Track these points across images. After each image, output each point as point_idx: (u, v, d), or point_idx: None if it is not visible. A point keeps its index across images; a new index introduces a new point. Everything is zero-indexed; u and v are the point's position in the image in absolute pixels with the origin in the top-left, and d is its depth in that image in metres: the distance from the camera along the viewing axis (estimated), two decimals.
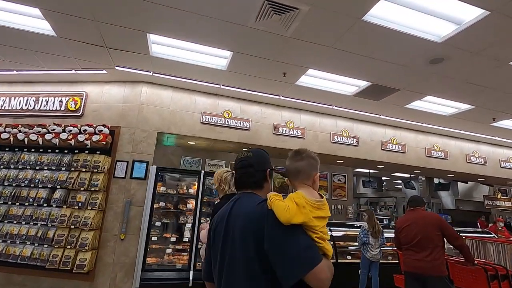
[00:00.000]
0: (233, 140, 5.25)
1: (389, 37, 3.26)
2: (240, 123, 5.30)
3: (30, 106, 4.86)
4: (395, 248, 4.61)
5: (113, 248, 4.27)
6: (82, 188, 4.23)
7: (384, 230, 4.80)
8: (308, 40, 3.43)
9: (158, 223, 4.56)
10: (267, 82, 4.66)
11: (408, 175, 11.20)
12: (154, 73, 4.52)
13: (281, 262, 0.97)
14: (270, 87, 4.88)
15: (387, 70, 4.04)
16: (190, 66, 4.24)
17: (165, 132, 4.90)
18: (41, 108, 4.83)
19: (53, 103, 4.83)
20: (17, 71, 4.64)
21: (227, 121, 5.22)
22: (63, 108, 4.79)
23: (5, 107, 4.90)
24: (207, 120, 5.11)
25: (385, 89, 4.68)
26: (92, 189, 4.24)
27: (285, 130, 5.59)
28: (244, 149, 1.32)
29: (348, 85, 4.75)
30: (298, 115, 5.80)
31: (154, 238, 4.42)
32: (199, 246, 4.33)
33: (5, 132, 4.56)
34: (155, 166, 4.52)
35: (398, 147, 6.47)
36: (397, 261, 4.53)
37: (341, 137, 6.01)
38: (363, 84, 4.61)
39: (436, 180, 11.45)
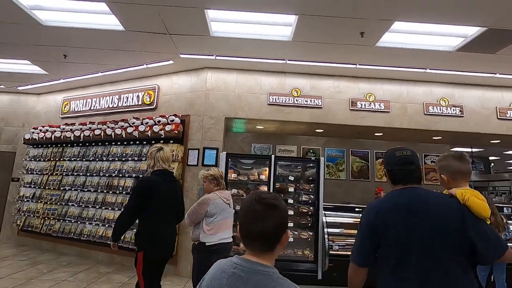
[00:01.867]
0: (304, 121, 4.76)
1: None
2: (310, 100, 4.76)
3: (115, 103, 5.34)
4: None
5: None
6: None
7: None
8: None
9: None
10: (340, 48, 3.98)
11: None
12: (216, 56, 4.35)
13: (488, 246, 1.23)
14: (343, 55, 4.18)
15: None
16: (251, 42, 3.90)
17: (232, 117, 4.73)
18: (123, 105, 5.26)
19: (132, 99, 5.19)
20: (101, 72, 5.11)
21: (296, 100, 4.74)
22: (140, 102, 5.10)
23: (96, 107, 5.51)
24: (274, 100, 4.73)
25: (508, 34, 3.45)
26: None
27: (365, 105, 4.80)
28: (397, 147, 1.45)
29: (448, 37, 3.69)
30: (380, 86, 4.91)
31: None
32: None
33: (97, 128, 5.12)
34: (225, 152, 4.40)
35: None
36: None
37: (438, 107, 4.86)
38: (473, 31, 3.50)
39: None
